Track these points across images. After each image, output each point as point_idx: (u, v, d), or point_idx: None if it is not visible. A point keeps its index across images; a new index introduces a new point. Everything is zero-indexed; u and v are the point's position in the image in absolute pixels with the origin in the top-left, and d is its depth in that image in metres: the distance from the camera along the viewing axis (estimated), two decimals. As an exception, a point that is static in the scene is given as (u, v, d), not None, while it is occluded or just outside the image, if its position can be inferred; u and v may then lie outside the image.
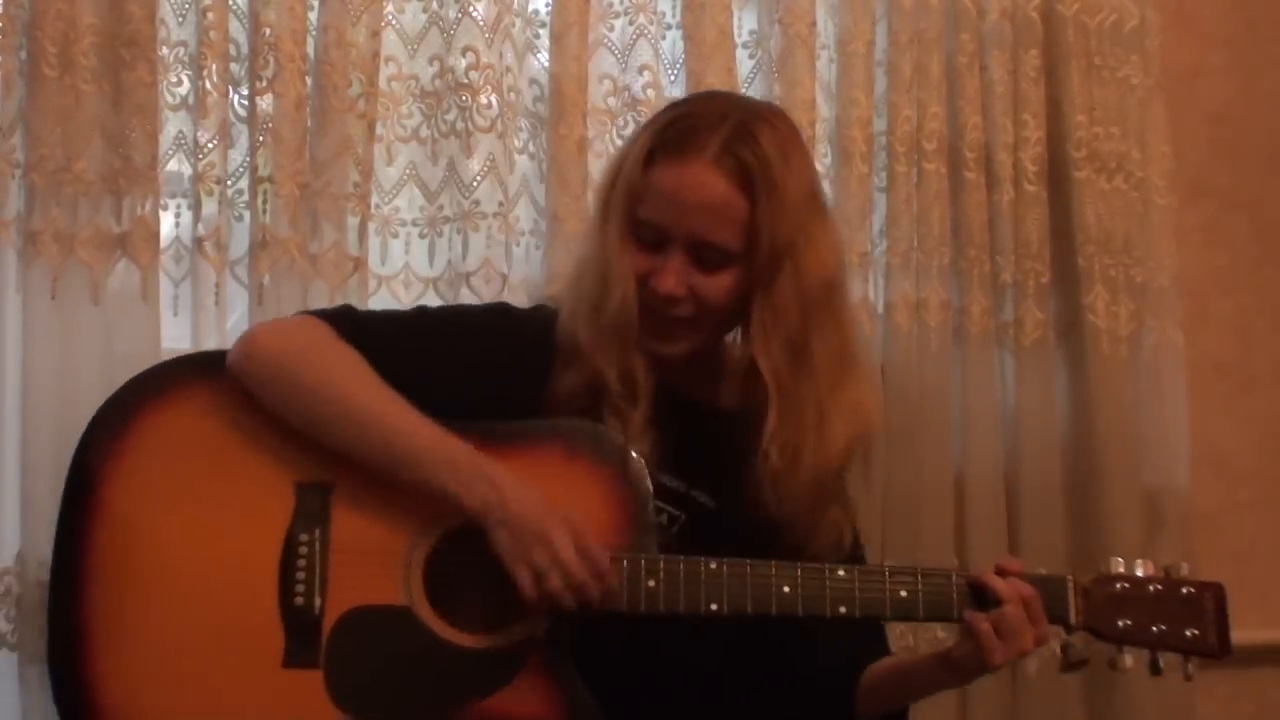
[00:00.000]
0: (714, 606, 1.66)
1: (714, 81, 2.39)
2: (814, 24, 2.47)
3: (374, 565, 1.68)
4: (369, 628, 1.67)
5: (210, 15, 2.17)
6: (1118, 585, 1.75)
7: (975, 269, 2.56)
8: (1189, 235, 2.76)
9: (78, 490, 1.72)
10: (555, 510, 1.64)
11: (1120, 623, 1.74)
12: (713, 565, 1.66)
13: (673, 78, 2.44)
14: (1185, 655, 1.76)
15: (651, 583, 1.65)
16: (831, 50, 2.52)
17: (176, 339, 2.19)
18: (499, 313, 1.91)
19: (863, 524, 2.39)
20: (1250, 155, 2.89)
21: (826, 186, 2.49)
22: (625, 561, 1.65)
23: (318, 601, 1.67)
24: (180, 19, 2.20)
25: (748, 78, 2.49)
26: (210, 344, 2.16)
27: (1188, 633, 1.75)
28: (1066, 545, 2.58)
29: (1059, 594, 1.73)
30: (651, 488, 1.70)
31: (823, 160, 2.50)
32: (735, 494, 1.77)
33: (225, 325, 2.19)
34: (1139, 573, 1.76)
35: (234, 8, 2.22)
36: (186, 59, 2.19)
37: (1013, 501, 2.54)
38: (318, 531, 1.69)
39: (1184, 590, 1.76)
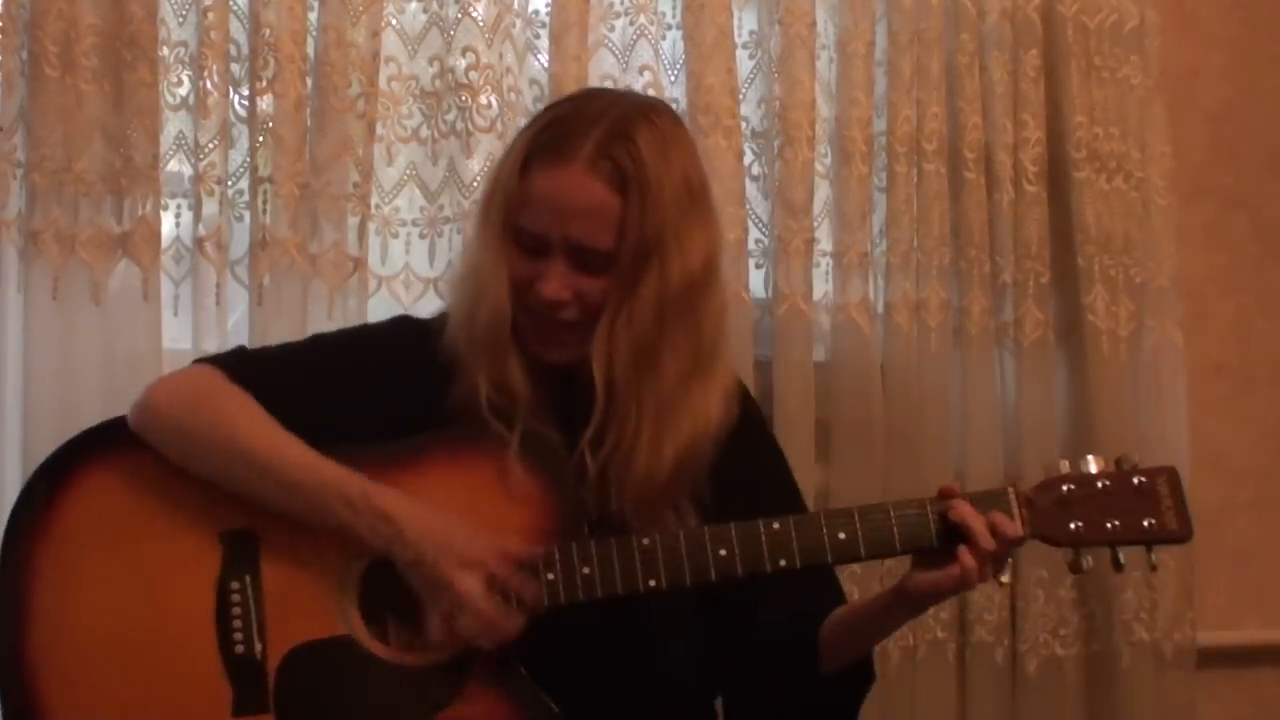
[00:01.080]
0: (652, 582, 1.64)
1: (714, 82, 2.39)
2: (814, 24, 2.47)
3: (308, 600, 1.67)
4: (313, 663, 1.66)
5: (210, 15, 2.18)
6: (1064, 488, 1.70)
7: (975, 269, 2.56)
8: (1189, 235, 2.76)
9: (12, 566, 1.70)
10: (457, 543, 1.62)
11: (1072, 525, 1.69)
12: (645, 542, 1.65)
13: (673, 78, 2.44)
14: (1147, 546, 1.72)
15: (586, 570, 1.64)
16: (831, 50, 2.52)
17: (177, 339, 2.19)
18: (396, 327, 1.89)
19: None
20: (1250, 155, 2.88)
21: (826, 186, 2.51)
22: (557, 552, 1.64)
23: (258, 646, 1.66)
24: (181, 19, 2.21)
25: (748, 78, 2.49)
26: (210, 344, 2.17)
27: (1145, 523, 1.69)
28: (1066, 545, 2.59)
29: (1002, 508, 1.68)
30: (571, 473, 1.68)
31: (823, 160, 2.50)
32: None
33: (225, 325, 2.20)
34: (1089, 470, 1.71)
35: (234, 8, 2.23)
36: (187, 59, 2.20)
37: (1012, 502, 2.53)
38: (248, 578, 1.68)
39: (1135, 480, 1.71)
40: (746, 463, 1.81)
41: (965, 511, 1.66)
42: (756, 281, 2.47)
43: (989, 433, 2.55)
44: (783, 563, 1.66)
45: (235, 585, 1.68)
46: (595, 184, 1.68)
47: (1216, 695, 2.74)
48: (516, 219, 1.70)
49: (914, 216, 2.53)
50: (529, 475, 1.68)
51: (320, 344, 1.86)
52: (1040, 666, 2.56)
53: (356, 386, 1.75)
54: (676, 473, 1.71)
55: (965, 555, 1.64)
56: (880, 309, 2.52)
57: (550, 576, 1.64)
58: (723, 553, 1.66)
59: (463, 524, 1.64)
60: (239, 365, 1.77)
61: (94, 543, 1.70)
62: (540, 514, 1.68)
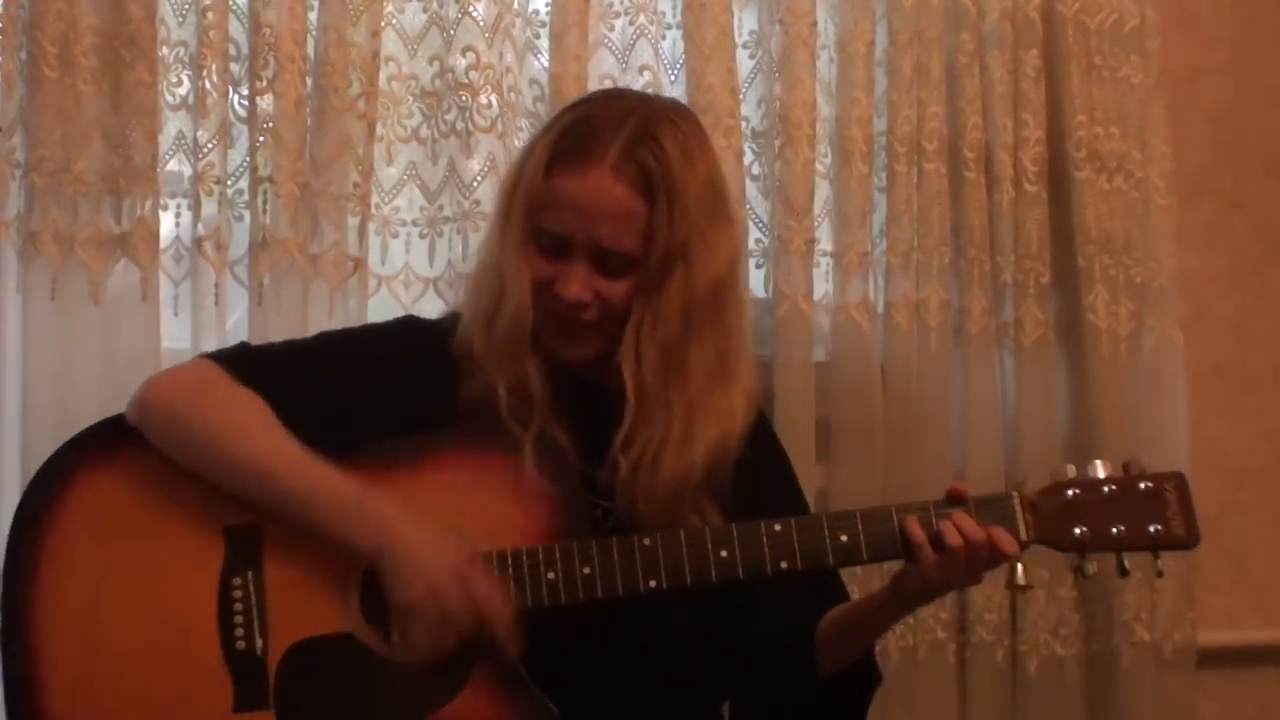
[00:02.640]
0: (653, 583, 1.65)
1: (714, 81, 2.39)
2: (814, 24, 2.47)
3: (310, 597, 1.67)
4: (314, 660, 1.67)
5: (210, 15, 2.17)
6: (1069, 493, 1.69)
7: (975, 269, 2.56)
8: (1189, 235, 2.76)
9: (18, 564, 1.70)
10: (446, 550, 1.63)
11: (1077, 530, 1.69)
12: (646, 542, 1.65)
13: (673, 78, 2.44)
14: (1152, 552, 1.71)
15: (587, 569, 1.64)
16: (832, 50, 2.52)
17: (176, 339, 2.19)
18: (402, 326, 1.89)
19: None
20: (1250, 155, 2.88)
21: (826, 186, 2.51)
22: (558, 549, 1.65)
23: (259, 642, 1.67)
24: (180, 19, 2.20)
25: (748, 78, 2.49)
26: (210, 344, 2.16)
27: (1151, 528, 1.68)
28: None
29: (1006, 513, 1.69)
30: (577, 477, 1.69)
31: (823, 160, 2.50)
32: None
33: (225, 325, 2.20)
34: (1096, 475, 1.70)
35: (234, 8, 2.22)
36: (186, 59, 2.19)
37: (1012, 501, 2.53)
38: (250, 573, 1.68)
39: (1141, 485, 1.69)
40: (759, 461, 1.81)
41: (951, 528, 1.66)
42: (756, 281, 2.47)
43: (989, 433, 2.55)
44: (784, 565, 1.67)
45: (238, 581, 1.68)
46: (621, 188, 1.68)
47: (1216, 695, 2.74)
48: (539, 220, 1.71)
49: (914, 216, 2.53)
50: (536, 477, 1.68)
51: (325, 341, 1.86)
52: (1040, 666, 2.56)
53: (360, 385, 1.75)
54: (705, 474, 1.72)
55: (924, 554, 1.65)
56: (880, 309, 2.52)
57: (551, 576, 1.65)
58: (724, 554, 1.66)
59: (448, 536, 1.64)
60: (241, 362, 1.76)
61: (98, 539, 1.70)
62: (544, 516, 1.68)
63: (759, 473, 1.82)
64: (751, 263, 2.45)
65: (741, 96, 2.45)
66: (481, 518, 1.67)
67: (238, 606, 1.68)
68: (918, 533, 1.67)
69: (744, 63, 2.48)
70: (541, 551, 1.65)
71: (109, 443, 1.74)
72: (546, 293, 1.71)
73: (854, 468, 2.46)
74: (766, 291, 2.48)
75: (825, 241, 2.51)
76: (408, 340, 1.82)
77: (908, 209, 2.52)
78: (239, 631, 1.67)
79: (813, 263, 2.47)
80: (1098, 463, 1.72)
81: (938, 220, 2.53)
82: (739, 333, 1.78)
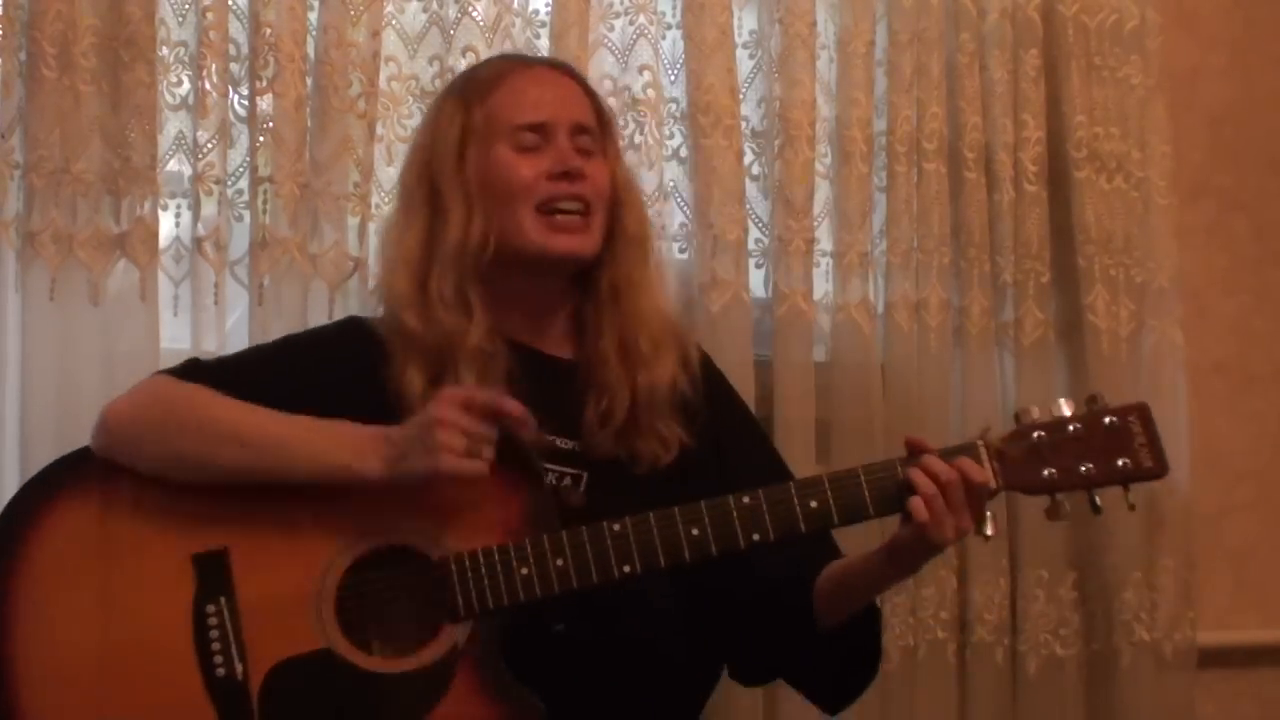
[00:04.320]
0: (627, 568, 1.64)
1: (714, 81, 2.39)
2: (814, 24, 2.47)
3: (286, 616, 1.67)
4: (295, 680, 1.66)
5: (210, 15, 2.17)
6: (1034, 435, 1.68)
7: (975, 269, 2.56)
8: (1189, 235, 2.76)
9: None
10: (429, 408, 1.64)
11: (1045, 472, 1.68)
12: (616, 527, 1.65)
13: (673, 78, 2.44)
14: (1123, 486, 1.70)
15: (560, 561, 1.64)
16: (831, 50, 2.52)
17: (176, 339, 2.19)
18: (345, 326, 1.91)
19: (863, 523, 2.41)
20: (1250, 155, 2.88)
21: (826, 186, 2.51)
22: (529, 545, 1.64)
23: (239, 667, 1.66)
24: (180, 19, 2.20)
25: (748, 78, 2.49)
26: (210, 344, 2.17)
27: (1119, 463, 1.68)
28: (1066, 544, 2.58)
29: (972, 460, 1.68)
30: (541, 469, 1.69)
31: (823, 160, 2.50)
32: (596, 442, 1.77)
33: (225, 325, 2.20)
34: (1060, 414, 1.70)
35: (234, 8, 2.22)
36: (186, 59, 2.19)
37: (1013, 500, 2.53)
38: (223, 599, 1.68)
39: (1106, 421, 1.69)
40: (726, 425, 1.86)
41: (919, 469, 1.65)
42: (756, 281, 2.46)
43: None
44: (756, 537, 1.66)
45: (211, 608, 1.68)
46: (566, 77, 1.87)
47: (1216, 695, 2.74)
48: (510, 123, 1.79)
49: (914, 216, 2.52)
50: (501, 472, 1.66)
51: (269, 347, 1.88)
52: (1040, 666, 2.55)
53: (304, 385, 1.75)
54: (670, 391, 1.79)
55: (917, 506, 1.64)
56: (880, 309, 2.52)
57: (524, 571, 1.64)
58: (695, 531, 1.65)
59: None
60: (188, 372, 1.78)
61: (67, 577, 1.69)
62: (511, 511, 1.67)
63: (723, 406, 1.88)
64: (751, 263, 2.45)
65: (741, 96, 2.45)
66: (446, 514, 1.67)
67: (214, 634, 1.67)
68: (917, 480, 1.65)
69: (744, 62, 2.48)
70: (513, 549, 1.65)
71: (72, 480, 1.74)
72: (539, 189, 1.77)
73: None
74: (766, 291, 2.48)
75: (825, 241, 2.51)
76: (349, 338, 1.83)
77: (908, 209, 2.52)
78: (218, 659, 1.66)
79: (813, 263, 2.47)
80: (1061, 401, 1.72)
81: (938, 220, 2.53)
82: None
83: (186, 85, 2.19)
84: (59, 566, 1.70)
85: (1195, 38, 2.85)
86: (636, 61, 2.41)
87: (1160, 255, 2.66)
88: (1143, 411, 1.71)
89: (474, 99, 1.81)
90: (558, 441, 1.75)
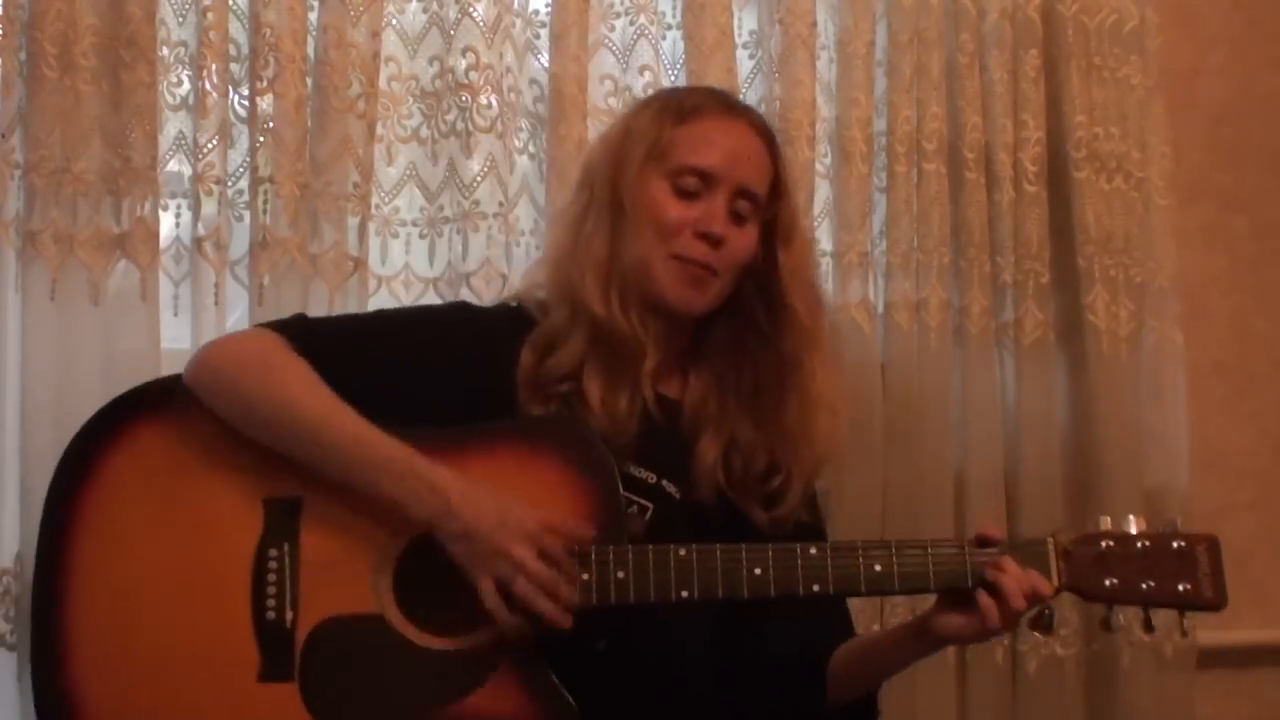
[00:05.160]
0: (685, 594, 1.66)
1: (714, 81, 2.39)
2: (814, 24, 2.47)
3: (344, 575, 1.69)
4: (342, 638, 1.68)
5: (210, 15, 2.17)
6: (1103, 544, 1.72)
7: (975, 269, 2.56)
8: (1189, 235, 2.76)
9: (57, 513, 1.74)
10: (511, 514, 1.64)
11: (1107, 582, 1.71)
12: (681, 552, 1.67)
13: (673, 78, 2.44)
14: (1180, 610, 1.73)
15: (621, 573, 1.65)
16: (831, 50, 2.52)
17: (176, 339, 2.19)
18: (459, 309, 1.94)
19: (863, 524, 2.41)
20: (1250, 155, 2.88)
21: (826, 186, 2.51)
22: (594, 553, 1.66)
23: (290, 615, 1.68)
24: (180, 19, 2.20)
25: (748, 78, 2.49)
26: (210, 345, 2.16)
27: (1180, 587, 1.71)
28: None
29: (1039, 558, 1.71)
30: (618, 477, 1.70)
31: (823, 160, 2.50)
32: (691, 483, 1.80)
33: (225, 326, 2.19)
34: (1129, 529, 1.73)
35: (234, 8, 2.22)
36: (186, 59, 2.19)
37: (1013, 501, 2.54)
38: (287, 546, 1.70)
39: (1175, 544, 1.72)
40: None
41: (1003, 575, 1.67)
42: (756, 282, 2.46)
43: (989, 433, 2.54)
44: (816, 587, 1.68)
45: (274, 552, 1.70)
46: (758, 138, 1.87)
47: (1216, 695, 2.74)
48: (681, 161, 1.80)
49: (914, 216, 2.53)
50: (580, 475, 1.69)
51: (382, 319, 1.88)
52: (1040, 666, 2.56)
53: (419, 363, 1.77)
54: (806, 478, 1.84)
55: (989, 608, 1.66)
56: (880, 309, 2.52)
57: (585, 576, 1.66)
58: (758, 571, 1.67)
59: (513, 500, 1.66)
60: (302, 332, 1.79)
61: (138, 496, 1.73)
62: (585, 513, 1.68)
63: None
64: (751, 263, 2.45)
65: (741, 96, 2.45)
66: (525, 505, 1.67)
67: (271, 577, 1.69)
68: (1001, 577, 1.67)
69: (744, 63, 2.48)
70: (577, 551, 1.66)
71: (159, 403, 1.77)
72: (679, 238, 1.78)
73: (854, 468, 2.46)
74: (767, 292, 2.48)
75: (825, 241, 2.51)
76: (466, 321, 1.85)
77: (908, 209, 2.52)
78: (270, 602, 1.69)
79: (812, 263, 2.47)
80: (1131, 518, 1.75)
81: (938, 220, 2.53)
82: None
83: (187, 85, 2.19)
84: (132, 482, 1.73)
85: (1194, 38, 2.85)
86: (637, 62, 2.41)
87: (1160, 255, 2.66)
88: (1211, 543, 1.74)
89: (669, 120, 1.83)
90: (634, 470, 1.77)
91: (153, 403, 1.78)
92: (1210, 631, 2.70)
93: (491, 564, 1.63)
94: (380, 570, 1.69)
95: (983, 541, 1.71)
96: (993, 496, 2.53)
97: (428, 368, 1.76)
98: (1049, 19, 2.61)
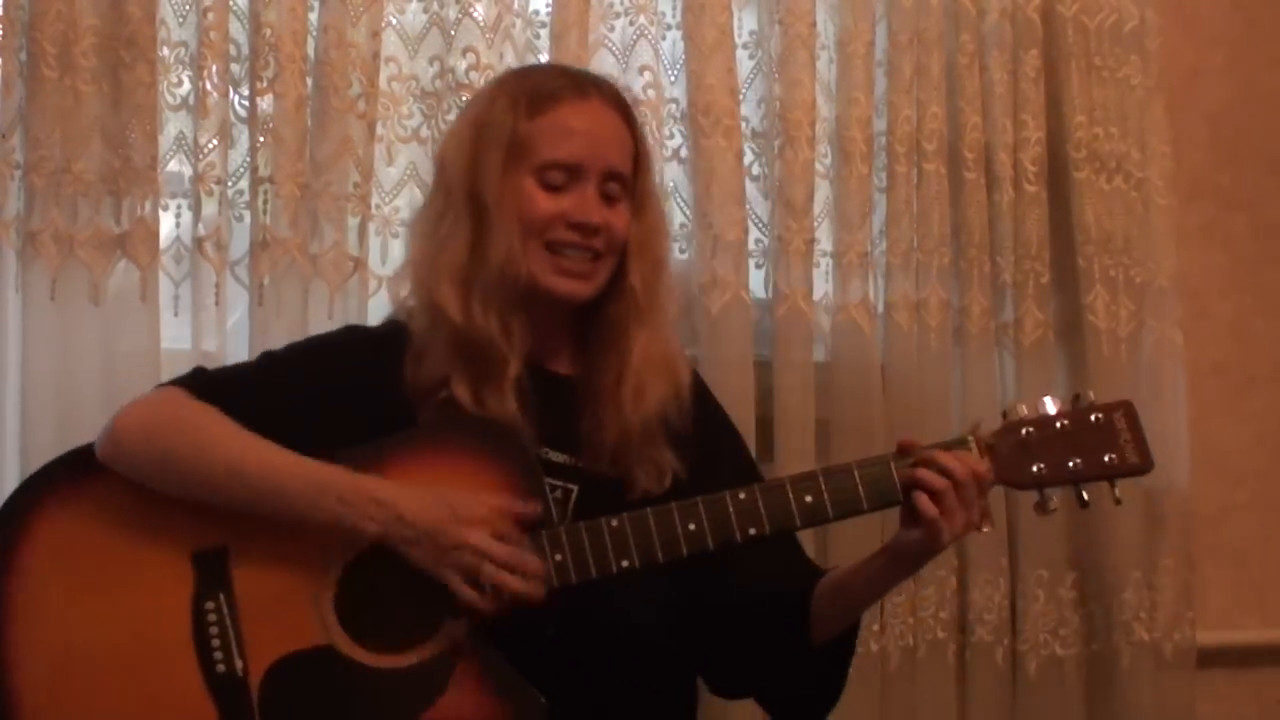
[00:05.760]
0: (625, 563, 1.65)
1: (714, 82, 2.39)
2: (814, 24, 2.47)
3: (285, 613, 1.67)
4: (296, 676, 1.66)
5: (210, 15, 2.17)
6: (1023, 431, 1.71)
7: (975, 269, 2.56)
8: (1189, 235, 2.76)
9: None
10: (459, 506, 1.64)
11: (1034, 468, 1.71)
12: (614, 523, 1.66)
13: (673, 78, 2.44)
14: (1109, 481, 1.73)
15: (558, 556, 1.65)
16: (831, 50, 2.52)
17: (176, 339, 2.19)
18: (347, 332, 1.93)
19: (863, 523, 2.41)
20: (1250, 155, 2.89)
21: (826, 186, 2.51)
22: (528, 541, 1.65)
23: (239, 664, 1.66)
24: (180, 19, 2.20)
25: (748, 78, 2.49)
26: (210, 344, 2.17)
27: (1106, 458, 1.71)
28: (1066, 545, 2.58)
29: None
30: (536, 458, 1.70)
31: (823, 160, 2.50)
32: (598, 456, 1.78)
33: (225, 326, 2.20)
34: (1047, 411, 1.73)
35: (234, 8, 2.22)
36: (187, 59, 2.19)
37: (1012, 501, 2.53)
38: (222, 596, 1.68)
39: (1092, 417, 1.72)
40: (709, 421, 1.87)
41: (928, 469, 1.67)
42: (756, 281, 2.46)
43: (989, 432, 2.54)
44: (752, 531, 1.68)
45: (210, 605, 1.68)
46: (616, 115, 1.82)
47: (1216, 695, 2.74)
48: (542, 156, 1.76)
49: (914, 216, 2.53)
50: (498, 466, 1.68)
51: (275, 359, 1.86)
52: (1040, 666, 2.56)
53: (317, 394, 1.76)
54: (660, 421, 1.78)
55: (924, 503, 1.66)
56: (880, 309, 2.52)
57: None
58: (692, 526, 1.66)
59: (455, 490, 1.66)
60: (200, 384, 1.78)
61: (65, 575, 1.70)
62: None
63: (711, 432, 1.87)
64: (751, 263, 2.45)
65: (741, 97, 2.45)
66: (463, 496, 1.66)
67: (213, 630, 1.67)
68: (927, 477, 1.66)
69: (744, 63, 2.48)
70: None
71: (68, 480, 1.74)
72: (554, 228, 1.76)
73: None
74: (766, 292, 2.48)
75: (825, 241, 2.51)
76: (353, 347, 1.84)
77: (907, 209, 2.52)
78: (217, 655, 1.66)
79: (813, 263, 2.47)
80: (1047, 399, 1.75)
81: (937, 220, 2.53)
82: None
83: (187, 85, 2.19)
84: (56, 565, 1.70)
85: (1194, 38, 2.85)
86: (637, 62, 2.41)
87: (1160, 255, 2.66)
88: (1128, 409, 1.74)
89: (524, 110, 1.78)
90: (550, 454, 1.76)
91: (66, 477, 1.74)
92: (1210, 631, 2.71)
93: (454, 558, 1.62)
94: (321, 599, 1.67)
95: (905, 450, 1.70)
96: (992, 496, 2.51)
97: (329, 394, 1.75)
98: (1049, 19, 2.62)
